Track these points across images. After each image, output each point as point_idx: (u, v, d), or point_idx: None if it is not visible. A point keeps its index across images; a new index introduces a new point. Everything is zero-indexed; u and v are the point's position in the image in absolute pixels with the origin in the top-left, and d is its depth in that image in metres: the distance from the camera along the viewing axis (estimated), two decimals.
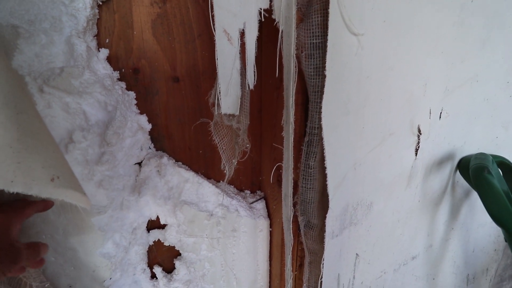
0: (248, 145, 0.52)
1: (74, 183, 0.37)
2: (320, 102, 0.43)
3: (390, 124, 0.53)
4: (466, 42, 0.56)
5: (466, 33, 0.56)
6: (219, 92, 0.46)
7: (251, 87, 0.48)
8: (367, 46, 0.44)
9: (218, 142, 0.50)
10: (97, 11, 0.47)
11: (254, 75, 0.47)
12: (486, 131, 0.72)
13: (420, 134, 0.57)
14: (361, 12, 0.41)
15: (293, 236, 0.60)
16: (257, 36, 0.45)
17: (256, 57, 0.46)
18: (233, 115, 0.49)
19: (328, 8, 0.38)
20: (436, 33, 0.51)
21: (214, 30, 0.42)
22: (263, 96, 0.60)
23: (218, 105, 0.46)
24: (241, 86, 0.47)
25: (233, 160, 0.51)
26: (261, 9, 0.42)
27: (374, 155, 0.54)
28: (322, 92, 0.42)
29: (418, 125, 0.57)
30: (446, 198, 0.74)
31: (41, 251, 0.41)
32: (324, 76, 0.41)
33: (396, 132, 0.54)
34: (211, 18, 0.41)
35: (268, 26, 0.51)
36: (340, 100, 0.46)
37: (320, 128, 0.44)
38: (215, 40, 0.43)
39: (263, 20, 0.44)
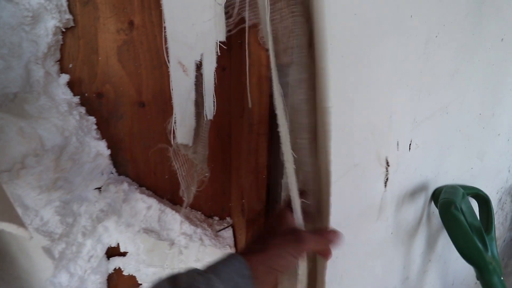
0: (207, 174, 0.51)
1: (8, 213, 0.36)
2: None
3: (354, 156, 0.52)
4: (433, 74, 0.56)
5: (432, 66, 0.56)
6: (174, 122, 0.46)
7: (210, 117, 0.47)
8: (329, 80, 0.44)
9: (177, 169, 0.49)
10: (60, 37, 0.47)
11: (214, 105, 0.47)
12: (461, 162, 0.71)
13: (388, 166, 0.57)
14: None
15: None
16: (215, 67, 0.45)
17: (215, 86, 0.46)
18: (188, 146, 0.48)
19: None
20: (401, 67, 0.52)
21: (168, 62, 0.42)
22: (232, 122, 0.60)
23: (174, 134, 0.46)
24: (196, 117, 0.47)
25: (191, 188, 0.50)
26: (217, 41, 0.43)
27: (339, 187, 0.52)
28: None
29: (386, 157, 0.56)
30: (422, 229, 0.72)
31: (330, 238, 0.39)
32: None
33: (360, 163, 0.53)
34: (164, 51, 0.41)
35: (236, 55, 0.52)
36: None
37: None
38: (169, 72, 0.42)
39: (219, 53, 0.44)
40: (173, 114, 0.45)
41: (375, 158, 0.55)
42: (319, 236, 0.38)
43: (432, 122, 0.61)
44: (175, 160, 0.49)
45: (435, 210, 0.71)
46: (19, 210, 0.46)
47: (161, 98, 0.55)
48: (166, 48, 0.41)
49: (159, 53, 0.53)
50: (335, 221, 0.55)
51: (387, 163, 0.56)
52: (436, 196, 0.66)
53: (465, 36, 0.61)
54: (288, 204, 0.42)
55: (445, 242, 0.77)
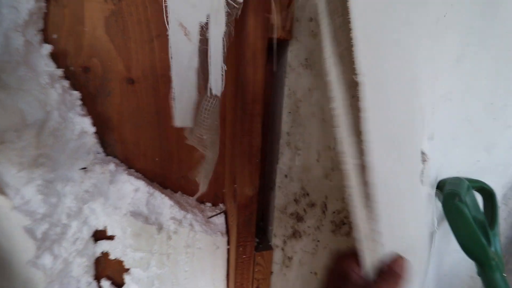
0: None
1: None
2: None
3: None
4: (440, 58, 0.53)
5: (440, 49, 0.52)
6: (173, 98, 0.40)
7: (216, 92, 0.40)
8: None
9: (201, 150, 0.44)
10: (43, 4, 0.44)
11: (222, 78, 0.40)
12: (467, 154, 0.68)
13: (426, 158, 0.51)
14: None
15: (248, 257, 0.56)
16: (225, 31, 0.38)
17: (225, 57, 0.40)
18: (190, 129, 0.43)
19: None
20: (414, 48, 0.48)
21: (168, 24, 0.36)
22: (226, 103, 0.57)
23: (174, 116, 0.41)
24: (198, 91, 0.41)
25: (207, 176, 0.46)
26: None
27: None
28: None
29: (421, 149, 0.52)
30: None
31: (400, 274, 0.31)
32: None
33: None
34: (164, 9, 0.36)
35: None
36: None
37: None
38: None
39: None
40: (172, 88, 0.39)
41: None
42: (391, 282, 0.31)
43: (436, 109, 0.58)
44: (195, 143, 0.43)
45: (437, 203, 0.68)
46: None
47: (152, 75, 0.52)
48: (166, 7, 0.36)
49: (150, 26, 0.50)
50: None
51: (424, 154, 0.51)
52: (440, 188, 0.63)
53: (473, 19, 0.57)
54: (351, 252, 0.33)
55: (442, 233, 0.74)
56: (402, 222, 0.34)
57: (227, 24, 0.38)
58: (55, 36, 0.46)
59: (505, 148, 0.73)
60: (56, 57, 0.47)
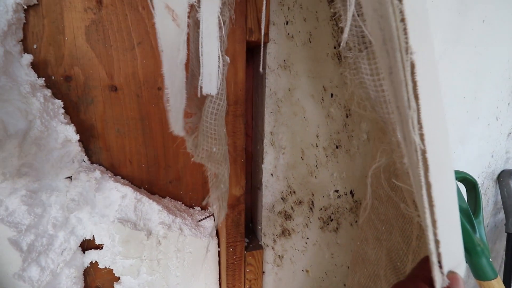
0: (224, 189, 0.39)
1: None
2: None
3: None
4: None
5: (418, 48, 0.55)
6: (168, 101, 0.31)
7: (209, 91, 0.32)
8: None
9: (210, 179, 0.37)
10: (23, 15, 0.45)
11: (219, 73, 0.31)
12: None
13: None
14: None
15: (239, 258, 0.56)
16: (219, 11, 0.30)
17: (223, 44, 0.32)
18: (188, 136, 0.35)
19: None
20: None
21: (153, 7, 0.28)
22: None
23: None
24: (187, 89, 0.32)
25: (223, 204, 0.39)
26: None
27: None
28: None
29: None
30: None
31: None
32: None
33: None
34: None
35: None
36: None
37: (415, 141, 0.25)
38: (154, 21, 0.29)
39: None
40: (165, 86, 0.30)
41: None
42: None
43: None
44: (204, 159, 0.35)
45: None
46: None
47: (135, 82, 0.53)
48: None
49: (130, 34, 0.51)
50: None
51: None
52: None
53: (451, 15, 0.60)
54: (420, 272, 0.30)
55: None
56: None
57: (224, 2, 0.30)
58: (35, 46, 0.47)
59: (477, 139, 0.76)
60: (37, 67, 0.47)
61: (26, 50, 0.46)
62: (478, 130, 0.73)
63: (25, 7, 0.44)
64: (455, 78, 0.67)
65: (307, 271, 0.67)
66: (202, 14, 0.29)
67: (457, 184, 0.64)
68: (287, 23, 0.49)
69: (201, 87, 0.32)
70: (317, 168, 0.60)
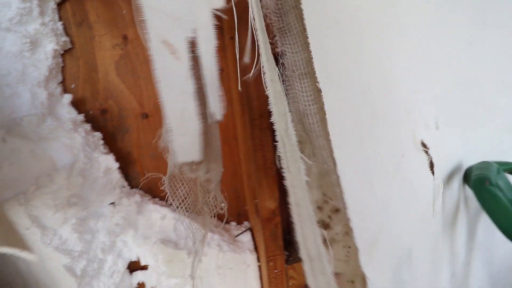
0: (223, 204, 0.41)
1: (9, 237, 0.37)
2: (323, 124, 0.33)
3: (400, 144, 0.46)
4: (447, 42, 0.52)
5: (446, 33, 0.52)
6: (169, 132, 0.32)
7: (217, 117, 0.34)
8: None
9: (177, 206, 0.38)
10: (60, 59, 0.49)
11: (221, 100, 0.33)
12: (488, 137, 0.65)
13: (427, 148, 0.51)
14: None
15: (280, 272, 0.56)
16: (216, 46, 0.32)
17: (220, 73, 0.36)
18: (197, 163, 0.36)
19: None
20: (413, 34, 0.48)
21: (147, 42, 0.29)
22: (237, 124, 0.59)
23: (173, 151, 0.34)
24: (202, 118, 0.34)
25: (204, 231, 0.40)
26: (214, 10, 0.31)
27: (395, 186, 0.46)
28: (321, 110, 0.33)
29: (421, 140, 0.52)
30: (461, 216, 0.65)
31: None
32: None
33: (406, 152, 0.47)
34: (140, 25, 0.30)
35: (232, 54, 0.51)
36: (351, 118, 0.38)
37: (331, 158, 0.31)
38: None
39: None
40: (164, 120, 0.32)
41: (413, 142, 0.49)
42: None
43: (452, 95, 0.57)
44: (172, 193, 0.37)
45: (470, 192, 0.65)
46: (38, 231, 0.47)
47: None
48: (140, 22, 0.29)
49: None
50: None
51: (424, 145, 0.51)
52: (468, 176, 0.61)
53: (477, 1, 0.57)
54: None
55: (485, 227, 0.70)
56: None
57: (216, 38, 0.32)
58: (73, 85, 0.51)
59: None
60: (76, 104, 0.51)
61: (65, 90, 0.50)
62: None
63: (62, 52, 0.49)
64: (488, 63, 0.61)
65: (352, 282, 0.64)
66: (201, 51, 0.31)
67: (506, 177, 0.59)
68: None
69: (211, 114, 0.34)
70: None
